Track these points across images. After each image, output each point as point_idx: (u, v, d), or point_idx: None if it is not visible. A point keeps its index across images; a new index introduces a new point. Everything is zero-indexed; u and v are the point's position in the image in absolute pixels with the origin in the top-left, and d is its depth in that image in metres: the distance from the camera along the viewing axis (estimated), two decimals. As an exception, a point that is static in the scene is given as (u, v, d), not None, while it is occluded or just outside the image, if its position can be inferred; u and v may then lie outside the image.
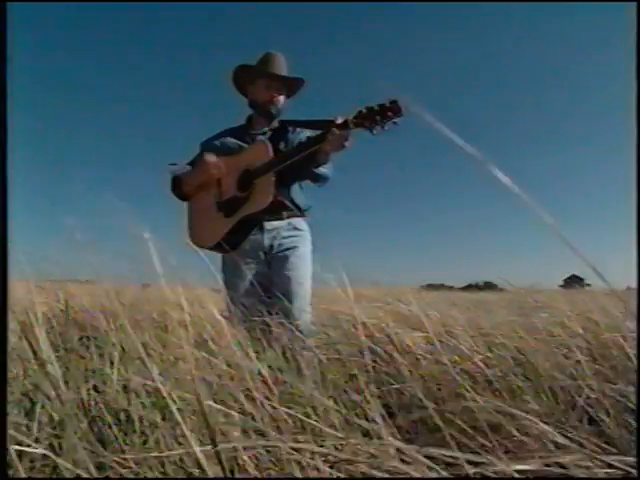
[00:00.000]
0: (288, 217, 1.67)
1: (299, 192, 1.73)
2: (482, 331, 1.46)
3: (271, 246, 1.63)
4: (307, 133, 1.68)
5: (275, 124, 1.77)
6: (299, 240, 1.66)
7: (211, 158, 1.63)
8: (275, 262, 1.62)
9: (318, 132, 1.56)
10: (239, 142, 1.73)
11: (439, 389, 0.95)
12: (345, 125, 1.40)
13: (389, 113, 1.33)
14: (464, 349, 1.11)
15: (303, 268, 1.61)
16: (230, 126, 1.84)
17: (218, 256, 1.70)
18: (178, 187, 1.74)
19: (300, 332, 1.40)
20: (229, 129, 1.82)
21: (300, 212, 1.71)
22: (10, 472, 0.69)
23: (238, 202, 1.60)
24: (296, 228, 1.68)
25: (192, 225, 1.74)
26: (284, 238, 1.64)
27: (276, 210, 1.60)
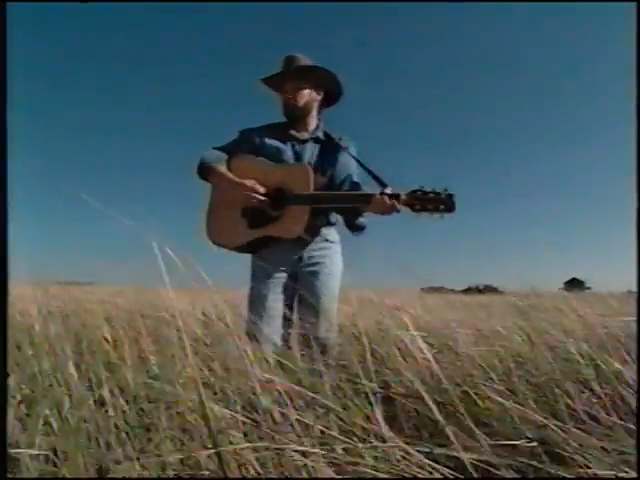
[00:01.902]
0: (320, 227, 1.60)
1: None
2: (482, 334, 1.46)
3: (300, 257, 1.56)
4: (351, 163, 1.63)
5: (319, 134, 1.65)
6: (330, 254, 1.60)
7: (250, 183, 1.50)
8: (304, 277, 1.55)
9: (353, 162, 1.60)
10: (278, 144, 1.60)
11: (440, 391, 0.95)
12: (395, 199, 1.39)
13: (441, 207, 1.34)
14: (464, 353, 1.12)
15: (332, 287, 1.55)
16: (272, 121, 1.71)
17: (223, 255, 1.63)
18: (205, 174, 1.60)
19: (324, 350, 1.40)
20: (270, 126, 1.68)
21: (330, 224, 1.64)
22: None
23: (266, 218, 1.51)
24: (327, 240, 1.61)
25: (210, 218, 1.62)
26: (314, 250, 1.57)
27: (305, 235, 1.52)
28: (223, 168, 1.57)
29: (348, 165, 1.63)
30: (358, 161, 1.59)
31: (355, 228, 1.61)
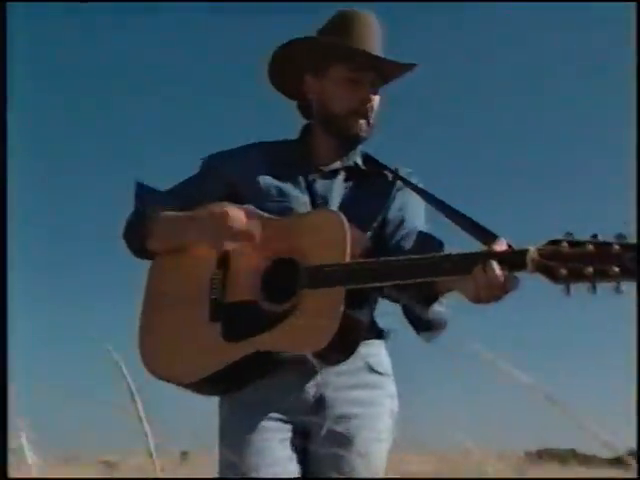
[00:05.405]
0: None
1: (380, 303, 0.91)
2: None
3: (320, 398, 0.84)
4: (418, 208, 0.95)
5: (356, 158, 0.96)
6: (376, 397, 0.87)
7: (235, 212, 0.82)
8: (325, 439, 0.80)
9: (421, 202, 0.92)
10: (280, 183, 0.91)
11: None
12: (519, 261, 0.64)
13: (615, 269, 0.56)
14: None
15: (376, 461, 0.84)
16: (264, 139, 1.02)
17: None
18: (142, 233, 0.90)
19: None
20: (265, 149, 0.99)
21: (379, 336, 0.90)
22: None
23: (260, 318, 0.78)
24: (372, 369, 0.87)
25: (148, 331, 0.89)
26: (347, 388, 0.85)
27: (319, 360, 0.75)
28: (170, 214, 0.89)
29: (412, 210, 0.94)
30: (434, 198, 0.89)
31: (427, 327, 0.83)
